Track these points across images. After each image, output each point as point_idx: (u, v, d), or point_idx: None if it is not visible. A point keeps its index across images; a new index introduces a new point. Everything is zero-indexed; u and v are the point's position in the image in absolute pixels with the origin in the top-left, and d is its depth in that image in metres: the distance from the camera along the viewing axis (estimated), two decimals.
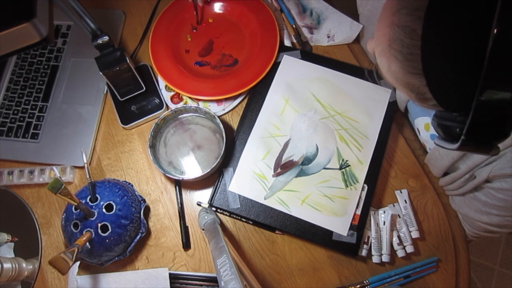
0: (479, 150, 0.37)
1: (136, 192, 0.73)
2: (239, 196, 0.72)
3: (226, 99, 0.80)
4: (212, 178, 0.75)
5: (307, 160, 0.74)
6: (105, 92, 0.83)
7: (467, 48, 0.32)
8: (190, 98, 0.81)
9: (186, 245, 0.73)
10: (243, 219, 0.73)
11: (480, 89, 0.31)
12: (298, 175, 0.73)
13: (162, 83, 0.82)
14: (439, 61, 0.34)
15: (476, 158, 0.60)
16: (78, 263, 0.72)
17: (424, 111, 0.70)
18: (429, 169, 0.74)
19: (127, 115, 0.80)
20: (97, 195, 0.66)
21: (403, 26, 0.36)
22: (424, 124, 0.70)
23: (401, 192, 0.74)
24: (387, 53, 0.39)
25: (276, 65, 0.80)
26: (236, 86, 0.77)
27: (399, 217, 0.72)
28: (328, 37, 0.83)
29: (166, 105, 0.81)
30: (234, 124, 0.80)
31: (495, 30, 0.29)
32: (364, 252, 0.70)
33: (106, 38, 0.73)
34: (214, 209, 0.73)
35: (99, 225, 0.64)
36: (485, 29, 0.30)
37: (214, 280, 0.70)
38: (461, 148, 0.36)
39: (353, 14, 0.83)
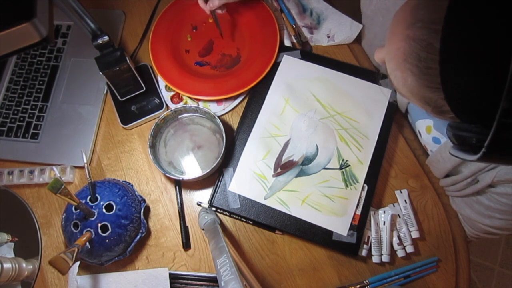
0: (501, 161, 0.36)
1: (136, 192, 0.73)
2: (239, 196, 0.72)
3: (226, 99, 0.80)
4: (212, 178, 0.75)
5: (307, 160, 0.74)
6: (105, 92, 0.83)
7: (487, 62, 0.31)
8: (190, 98, 0.81)
9: (186, 245, 0.73)
10: (243, 219, 0.73)
11: (502, 111, 0.30)
12: (298, 175, 0.73)
13: (162, 83, 0.82)
14: (458, 76, 0.33)
15: (481, 163, 0.59)
16: (78, 263, 0.72)
17: (425, 114, 0.70)
18: (429, 169, 0.74)
19: (127, 115, 0.80)
20: (97, 195, 0.66)
21: (419, 39, 0.35)
22: (425, 126, 0.70)
23: (401, 192, 0.74)
24: (402, 67, 0.38)
25: (276, 65, 0.80)
26: (236, 86, 0.77)
27: (399, 217, 0.72)
28: (328, 37, 0.83)
29: (166, 105, 0.81)
30: (234, 124, 0.80)
31: None
32: (364, 252, 0.70)
33: (106, 38, 0.73)
34: (214, 209, 0.73)
35: (99, 225, 0.64)
36: (506, 43, 0.30)
37: (214, 280, 0.70)
38: (482, 160, 0.35)
39: (353, 14, 0.83)
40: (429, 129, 0.69)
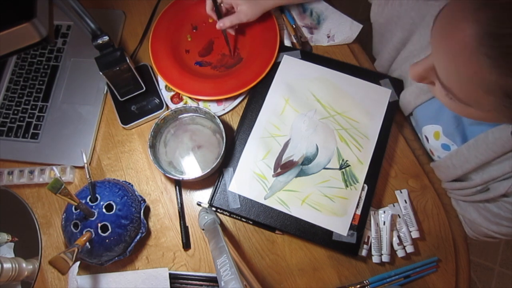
0: None
1: (136, 192, 0.73)
2: (239, 196, 0.72)
3: (226, 99, 0.80)
4: (212, 178, 0.75)
5: (307, 160, 0.74)
6: (105, 92, 0.83)
7: None
8: (190, 98, 0.81)
9: (186, 245, 0.73)
10: (243, 219, 0.73)
11: None
12: (298, 175, 0.73)
13: (162, 83, 0.82)
14: None
15: (494, 172, 0.58)
16: (78, 263, 0.72)
17: (433, 119, 0.68)
18: (429, 169, 0.74)
19: (127, 115, 0.80)
20: (97, 195, 0.66)
21: (494, 18, 0.32)
22: (433, 132, 0.69)
23: (401, 192, 0.74)
24: (474, 57, 0.35)
25: (276, 65, 0.80)
26: (236, 86, 0.77)
27: (399, 217, 0.72)
28: (328, 37, 0.83)
29: (166, 105, 0.81)
30: (234, 124, 0.80)
31: None
32: (364, 252, 0.70)
33: (106, 38, 0.73)
34: (214, 209, 0.73)
35: (99, 225, 0.64)
36: None
37: (214, 280, 0.70)
38: None
39: (353, 14, 0.84)
40: (437, 135, 0.68)
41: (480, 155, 0.57)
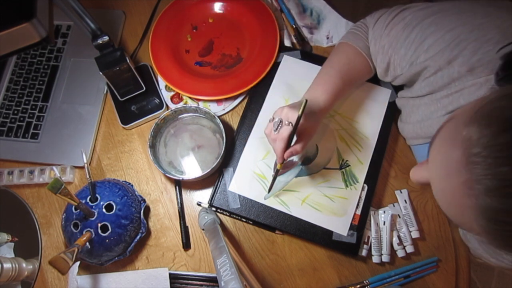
0: None
1: (136, 192, 0.73)
2: (239, 196, 0.72)
3: (226, 99, 0.80)
4: (212, 178, 0.75)
5: (307, 160, 0.74)
6: (105, 92, 0.82)
7: None
8: (190, 98, 0.81)
9: (186, 245, 0.73)
10: (243, 219, 0.73)
11: None
12: (298, 175, 0.73)
13: (162, 83, 0.82)
14: None
15: None
16: (78, 263, 0.72)
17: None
18: None
19: (127, 115, 0.80)
20: (97, 195, 0.66)
21: (491, 206, 0.31)
22: None
23: (401, 192, 0.74)
24: (466, 217, 0.34)
25: (276, 65, 0.80)
26: (236, 86, 0.77)
27: (399, 217, 0.72)
28: (327, 38, 0.83)
29: (166, 105, 0.81)
30: (234, 124, 0.80)
31: None
32: (364, 252, 0.70)
33: (106, 38, 0.73)
34: (214, 209, 0.73)
35: (99, 225, 0.64)
36: None
37: (214, 280, 0.70)
38: None
39: (353, 14, 0.83)
40: None
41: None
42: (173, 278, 0.70)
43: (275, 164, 0.73)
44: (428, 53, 0.57)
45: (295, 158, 0.73)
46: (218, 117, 0.73)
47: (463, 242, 0.72)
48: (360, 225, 0.70)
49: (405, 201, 0.72)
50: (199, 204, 0.75)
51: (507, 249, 0.33)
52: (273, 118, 0.62)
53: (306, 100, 0.56)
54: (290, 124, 0.58)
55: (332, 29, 0.83)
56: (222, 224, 0.74)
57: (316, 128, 0.64)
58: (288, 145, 0.60)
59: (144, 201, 0.73)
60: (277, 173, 0.67)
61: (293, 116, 0.58)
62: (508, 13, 0.50)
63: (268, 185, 0.72)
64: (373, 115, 0.76)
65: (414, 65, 0.60)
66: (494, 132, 0.31)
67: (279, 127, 0.60)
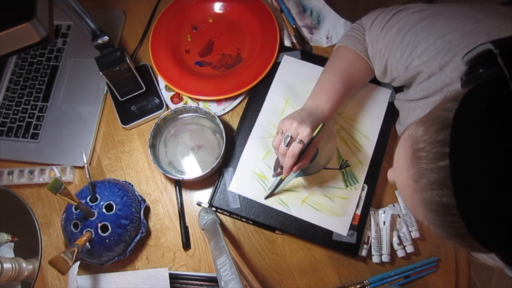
0: None
1: (136, 192, 0.73)
2: (239, 196, 0.72)
3: (226, 99, 0.80)
4: (212, 178, 0.75)
5: None
6: (105, 92, 0.83)
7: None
8: (190, 98, 0.81)
9: (186, 245, 0.73)
10: (243, 219, 0.73)
11: None
12: (298, 175, 0.73)
13: (162, 83, 0.82)
14: (485, 224, 0.31)
15: None
16: (78, 263, 0.72)
17: None
18: None
19: (127, 115, 0.80)
20: (97, 195, 0.66)
21: (433, 198, 0.34)
22: None
23: None
24: (420, 213, 0.37)
25: (276, 65, 0.80)
26: (236, 86, 0.77)
27: (399, 217, 0.72)
28: (327, 38, 0.83)
29: (166, 105, 0.81)
30: (234, 124, 0.80)
31: None
32: (364, 252, 0.70)
33: (106, 38, 0.73)
34: (214, 209, 0.73)
35: (99, 225, 0.64)
36: None
37: (214, 280, 0.70)
38: None
39: (353, 14, 0.83)
40: None
41: None
42: (173, 278, 0.70)
43: (275, 164, 0.73)
44: (421, 58, 0.57)
45: None
46: (218, 117, 0.73)
47: None
48: (360, 225, 0.70)
49: None
50: (199, 204, 0.75)
51: (453, 240, 0.35)
52: (281, 131, 0.62)
53: (323, 124, 0.58)
54: (301, 142, 0.60)
55: (331, 29, 0.83)
56: (222, 224, 0.74)
57: (322, 138, 0.65)
58: (297, 160, 0.61)
59: (144, 201, 0.73)
60: (280, 182, 0.69)
61: (303, 133, 0.60)
62: (499, 18, 0.51)
63: (268, 185, 0.72)
64: (373, 115, 0.76)
65: (409, 69, 0.61)
66: (436, 129, 0.34)
67: (289, 142, 0.60)
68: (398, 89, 0.76)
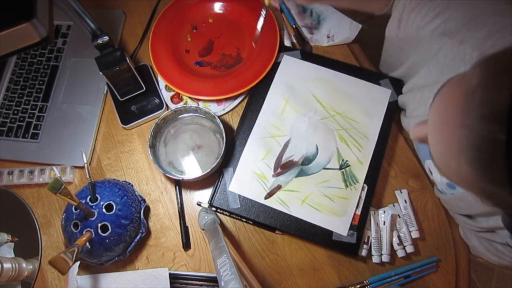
0: None
1: (136, 192, 0.73)
2: (239, 196, 0.72)
3: (226, 99, 0.80)
4: (212, 178, 0.75)
5: (307, 160, 0.74)
6: (105, 92, 0.83)
7: None
8: (190, 98, 0.81)
9: (186, 245, 0.73)
10: (243, 219, 0.73)
11: None
12: (298, 175, 0.73)
13: (162, 83, 0.82)
14: None
15: (500, 221, 0.55)
16: (78, 263, 0.72)
17: None
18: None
19: (127, 115, 0.80)
20: (97, 195, 0.66)
21: (480, 130, 0.31)
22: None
23: (401, 192, 0.74)
24: (457, 158, 0.34)
25: (276, 65, 0.80)
26: (236, 86, 0.77)
27: (399, 217, 0.72)
28: (328, 37, 0.83)
29: (166, 105, 0.81)
30: (234, 124, 0.80)
31: None
32: (364, 252, 0.70)
33: (106, 38, 0.73)
34: (214, 209, 0.73)
35: (99, 225, 0.64)
36: None
37: (214, 280, 0.70)
38: None
39: (353, 14, 0.83)
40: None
41: (486, 204, 0.55)
42: (173, 278, 0.70)
43: (275, 164, 0.73)
44: (448, 24, 0.55)
45: (295, 158, 0.73)
46: (218, 117, 0.73)
47: (463, 242, 0.72)
48: (360, 225, 0.70)
49: (405, 201, 0.72)
50: (199, 204, 0.75)
51: (495, 183, 0.32)
52: None
53: None
54: None
55: (333, 28, 0.83)
56: (222, 224, 0.74)
57: None
58: None
59: (144, 201, 0.73)
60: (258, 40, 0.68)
61: None
62: None
63: (269, 185, 0.72)
64: (373, 115, 0.76)
65: (427, 31, 0.58)
66: (492, 66, 0.31)
67: None
68: (398, 90, 0.76)
